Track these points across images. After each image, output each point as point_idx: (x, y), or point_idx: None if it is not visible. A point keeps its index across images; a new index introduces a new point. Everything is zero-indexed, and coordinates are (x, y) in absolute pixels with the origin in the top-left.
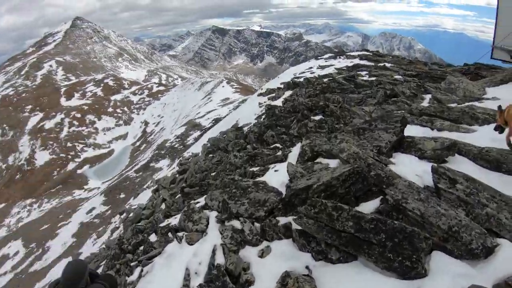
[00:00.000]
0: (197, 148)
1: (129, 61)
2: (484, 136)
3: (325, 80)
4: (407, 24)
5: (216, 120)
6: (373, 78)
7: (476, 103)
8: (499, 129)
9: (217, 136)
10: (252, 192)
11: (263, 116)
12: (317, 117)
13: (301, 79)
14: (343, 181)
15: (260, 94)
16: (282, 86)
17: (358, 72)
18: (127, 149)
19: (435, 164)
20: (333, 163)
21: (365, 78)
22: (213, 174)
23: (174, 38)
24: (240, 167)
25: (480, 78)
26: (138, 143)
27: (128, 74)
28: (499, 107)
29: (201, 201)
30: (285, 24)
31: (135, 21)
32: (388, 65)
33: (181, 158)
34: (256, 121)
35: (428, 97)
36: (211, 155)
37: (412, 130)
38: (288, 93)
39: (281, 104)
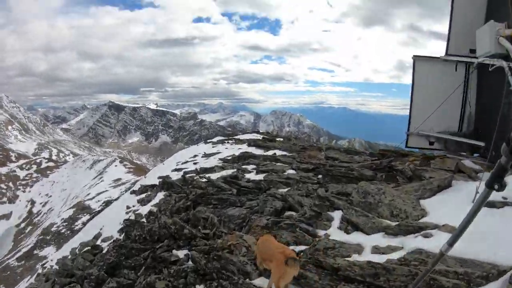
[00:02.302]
0: (66, 249)
1: (19, 130)
2: None
3: (203, 180)
4: (295, 103)
5: (107, 203)
6: (262, 177)
7: (421, 239)
8: None
9: (68, 257)
10: None
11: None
12: (182, 253)
13: (181, 173)
14: None
15: (133, 192)
16: (158, 182)
17: (244, 167)
18: (11, 231)
19: None
20: None
21: (252, 177)
22: None
23: (68, 111)
24: None
25: (397, 175)
26: (23, 225)
27: (17, 145)
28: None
29: None
30: (181, 103)
31: (30, 88)
32: (279, 153)
33: (45, 269)
34: (119, 234)
35: (336, 217)
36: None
37: None
38: (160, 196)
39: (145, 217)
